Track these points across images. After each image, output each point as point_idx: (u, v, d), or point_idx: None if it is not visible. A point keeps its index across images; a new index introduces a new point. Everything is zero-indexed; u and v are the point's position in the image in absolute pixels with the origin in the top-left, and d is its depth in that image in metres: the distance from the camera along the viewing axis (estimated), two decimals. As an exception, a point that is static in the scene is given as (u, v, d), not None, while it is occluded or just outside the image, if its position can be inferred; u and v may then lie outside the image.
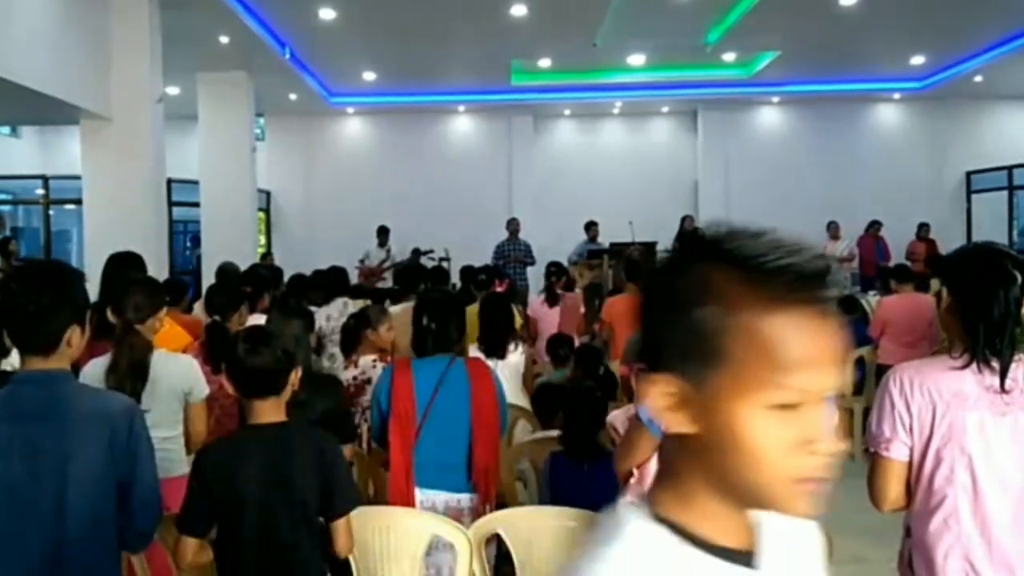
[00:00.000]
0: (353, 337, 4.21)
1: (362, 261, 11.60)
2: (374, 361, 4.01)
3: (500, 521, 2.64)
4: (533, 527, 2.58)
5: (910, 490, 1.93)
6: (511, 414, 4.07)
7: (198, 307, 5.24)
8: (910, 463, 1.90)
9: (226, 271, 7.19)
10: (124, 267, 3.85)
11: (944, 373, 1.86)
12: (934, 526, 1.86)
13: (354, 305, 5.96)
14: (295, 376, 2.27)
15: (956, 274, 1.96)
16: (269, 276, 5.92)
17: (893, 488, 1.92)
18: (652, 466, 2.02)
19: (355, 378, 4.01)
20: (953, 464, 1.83)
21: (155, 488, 2.03)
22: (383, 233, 11.98)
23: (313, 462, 2.17)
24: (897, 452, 1.90)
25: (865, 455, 2.03)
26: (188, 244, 13.02)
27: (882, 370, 6.13)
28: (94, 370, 2.93)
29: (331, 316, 5.77)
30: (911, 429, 1.88)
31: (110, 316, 3.02)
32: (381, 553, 2.58)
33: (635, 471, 2.06)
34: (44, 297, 1.88)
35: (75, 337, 1.95)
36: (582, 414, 2.95)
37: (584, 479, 2.85)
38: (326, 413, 2.92)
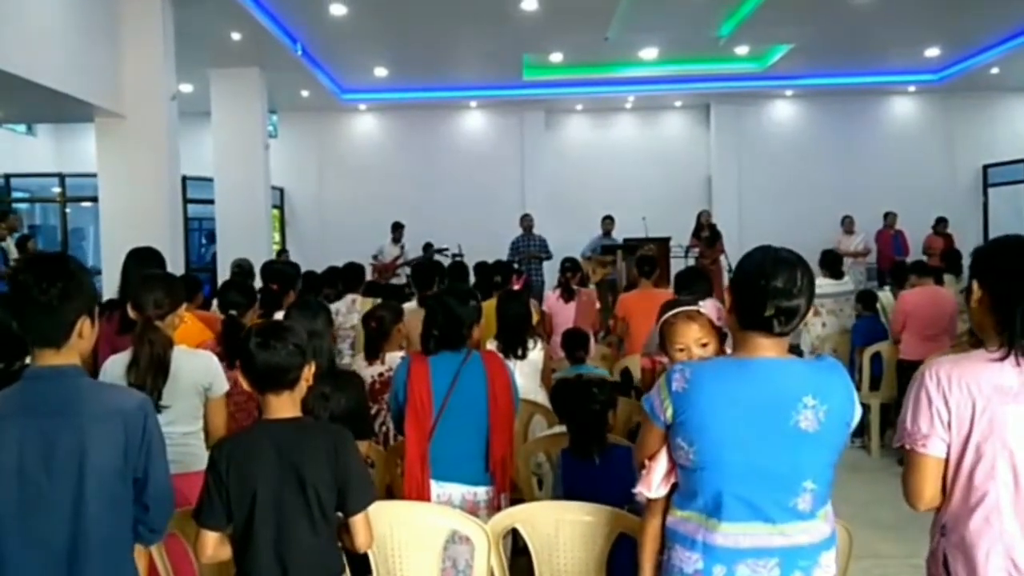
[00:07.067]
0: (378, 336, 4.06)
1: (375, 257, 11.67)
2: (402, 357, 3.93)
3: (518, 516, 2.65)
4: (551, 522, 2.58)
5: (945, 488, 1.87)
6: (528, 409, 4.07)
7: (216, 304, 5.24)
8: (947, 460, 1.85)
9: (241, 267, 7.19)
10: (144, 263, 3.82)
11: (983, 367, 1.81)
12: (975, 524, 1.80)
13: (362, 303, 5.89)
14: (308, 371, 2.25)
15: (989, 267, 1.90)
16: (293, 273, 5.89)
17: (930, 486, 1.87)
18: (661, 458, 2.02)
19: (380, 375, 3.94)
20: (994, 459, 1.78)
21: (168, 484, 2.03)
22: (397, 229, 12.02)
23: (327, 457, 2.16)
24: (935, 448, 1.84)
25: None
26: (204, 241, 13.08)
27: (903, 366, 6.05)
28: (114, 366, 2.94)
29: (339, 311, 5.70)
30: (949, 425, 1.82)
31: (131, 312, 3.03)
32: (399, 547, 2.59)
33: (646, 463, 2.05)
34: (54, 287, 1.87)
35: (86, 328, 1.94)
36: (584, 412, 2.95)
37: (595, 474, 2.84)
38: (347, 409, 2.93)
